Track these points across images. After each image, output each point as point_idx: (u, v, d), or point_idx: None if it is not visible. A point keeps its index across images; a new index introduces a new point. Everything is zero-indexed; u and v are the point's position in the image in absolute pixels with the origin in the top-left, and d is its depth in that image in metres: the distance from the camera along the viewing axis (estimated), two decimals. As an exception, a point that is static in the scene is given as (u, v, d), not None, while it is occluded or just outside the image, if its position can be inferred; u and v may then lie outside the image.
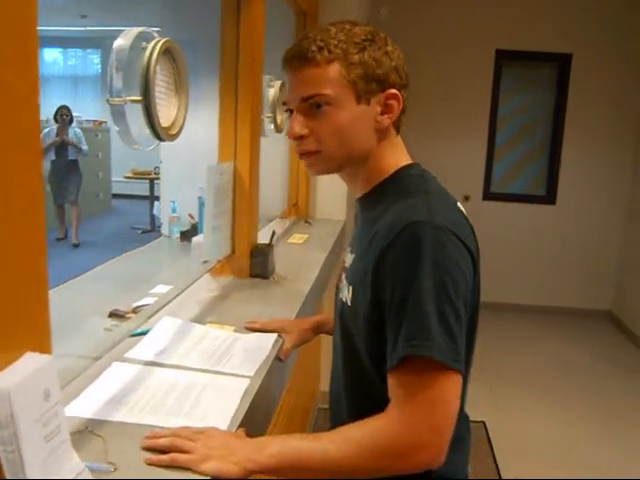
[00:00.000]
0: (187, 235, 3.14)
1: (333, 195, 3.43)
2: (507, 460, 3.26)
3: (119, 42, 1.24)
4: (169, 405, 1.12)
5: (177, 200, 3.35)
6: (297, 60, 1.07)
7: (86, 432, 1.00)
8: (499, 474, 3.12)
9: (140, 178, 9.16)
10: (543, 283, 5.85)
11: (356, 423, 1.00)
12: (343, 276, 1.19)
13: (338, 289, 1.22)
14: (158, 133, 1.29)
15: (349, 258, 1.19)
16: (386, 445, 0.95)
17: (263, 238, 2.13)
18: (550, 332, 5.40)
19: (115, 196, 10.85)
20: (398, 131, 1.15)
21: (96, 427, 1.01)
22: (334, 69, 1.05)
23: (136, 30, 1.27)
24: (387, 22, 5.05)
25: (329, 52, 1.05)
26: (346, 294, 1.14)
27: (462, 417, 1.19)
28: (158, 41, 1.28)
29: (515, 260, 5.82)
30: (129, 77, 1.24)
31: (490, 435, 3.51)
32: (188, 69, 1.46)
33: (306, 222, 3.20)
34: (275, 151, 3.23)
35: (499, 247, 5.73)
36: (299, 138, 1.10)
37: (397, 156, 1.15)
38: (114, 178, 10.45)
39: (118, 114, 1.23)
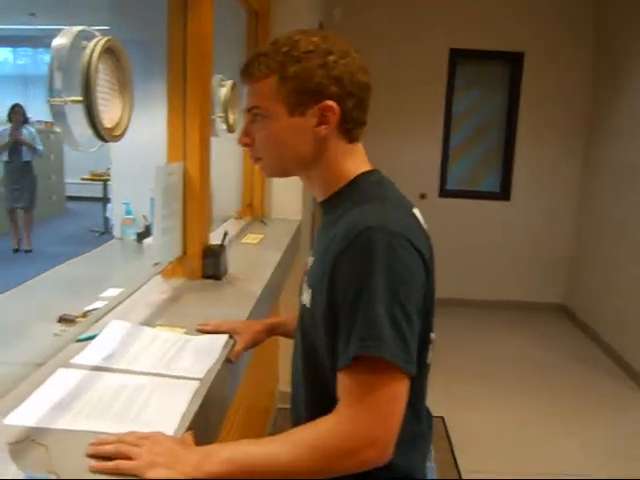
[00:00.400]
0: (142, 237, 3.10)
1: (289, 195, 3.42)
2: (465, 454, 3.30)
3: (58, 41, 1.22)
4: (115, 410, 1.10)
5: (132, 201, 3.30)
6: (242, 74, 1.15)
7: (28, 441, 0.97)
8: (457, 468, 3.16)
9: (96, 180, 9.00)
10: (498, 278, 5.95)
11: (306, 425, 1.01)
12: (305, 279, 1.20)
13: (300, 291, 1.23)
14: (101, 134, 1.27)
15: (310, 261, 1.20)
16: (336, 445, 0.96)
17: (216, 239, 2.11)
18: (505, 326, 5.49)
19: (72, 199, 10.64)
20: (353, 139, 1.16)
21: (39, 436, 0.99)
22: (270, 83, 1.10)
23: (76, 29, 1.25)
24: (341, 22, 5.07)
25: (267, 66, 1.09)
26: (306, 297, 1.15)
27: (424, 414, 1.21)
28: (99, 40, 1.26)
29: (470, 256, 5.90)
30: (70, 77, 1.22)
31: (448, 430, 3.55)
32: (134, 69, 1.44)
33: (261, 222, 3.19)
34: (229, 151, 3.21)
35: (455, 243, 5.80)
36: (246, 145, 1.18)
37: (356, 163, 1.17)
38: (70, 180, 10.25)
39: (59, 115, 1.21)
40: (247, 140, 1.17)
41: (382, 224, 1.01)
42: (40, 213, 8.41)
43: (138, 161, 3.24)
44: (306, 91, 1.09)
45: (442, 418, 3.65)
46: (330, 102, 1.08)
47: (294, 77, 1.08)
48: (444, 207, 5.79)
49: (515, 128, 5.71)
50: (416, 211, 1.17)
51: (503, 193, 5.84)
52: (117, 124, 1.37)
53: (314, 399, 1.19)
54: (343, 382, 0.99)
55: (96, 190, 9.35)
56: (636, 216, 4.54)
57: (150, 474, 0.91)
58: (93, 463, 0.93)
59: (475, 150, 5.92)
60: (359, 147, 1.18)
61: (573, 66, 5.58)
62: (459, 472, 3.13)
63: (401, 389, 0.97)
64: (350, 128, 1.13)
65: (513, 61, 5.64)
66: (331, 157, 1.14)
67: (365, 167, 1.18)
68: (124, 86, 1.39)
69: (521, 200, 5.81)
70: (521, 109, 5.67)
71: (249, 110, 1.15)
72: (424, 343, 1.10)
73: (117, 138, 1.35)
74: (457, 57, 5.65)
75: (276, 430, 3.36)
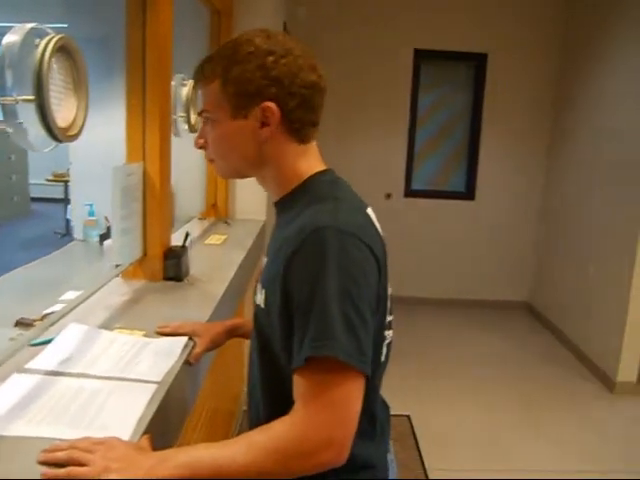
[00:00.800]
0: (104, 238, 3.06)
1: (253, 195, 3.41)
2: (431, 452, 3.32)
3: (9, 38, 1.19)
4: (70, 416, 1.08)
5: (93, 203, 3.25)
6: (193, 78, 1.18)
7: (-23, 449, 0.95)
8: (424, 467, 3.18)
9: (58, 181, 8.82)
10: (463, 277, 6.00)
11: (262, 427, 1.00)
12: (259, 279, 1.19)
13: (255, 292, 1.22)
14: (55, 134, 1.25)
15: (264, 261, 1.20)
16: (292, 447, 0.95)
17: (178, 240, 2.09)
18: (471, 325, 5.55)
19: (38, 200, 10.41)
20: (303, 140, 1.15)
21: (-11, 443, 0.97)
22: (214, 87, 1.12)
23: (28, 26, 1.22)
24: (304, 22, 5.07)
25: (212, 71, 1.12)
26: (260, 297, 1.14)
27: (378, 408, 1.21)
28: (52, 37, 1.23)
29: (436, 255, 5.94)
30: (21, 75, 1.19)
31: (415, 428, 3.57)
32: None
33: (225, 223, 3.17)
34: (192, 151, 3.18)
35: (420, 242, 5.85)
36: (201, 147, 1.21)
37: (308, 163, 1.16)
38: (34, 181, 10.03)
39: (10, 114, 1.18)
40: (201, 142, 1.19)
41: (334, 224, 1.00)
42: (1, 214, 8.23)
43: (99, 161, 3.18)
44: (246, 93, 1.09)
45: (408, 417, 3.66)
46: (269, 103, 1.08)
47: (234, 80, 1.09)
48: (409, 207, 5.83)
49: (479, 128, 5.77)
50: (369, 211, 1.17)
51: (468, 192, 5.90)
52: (72, 124, 1.34)
53: (271, 398, 1.18)
54: (297, 383, 0.99)
55: (59, 191, 9.17)
56: (600, 214, 4.62)
57: None
58: (44, 470, 0.91)
59: (440, 150, 5.96)
60: (312, 147, 1.18)
61: (536, 67, 5.65)
62: (425, 471, 3.14)
63: (356, 389, 0.97)
64: (297, 128, 1.12)
65: (477, 62, 5.70)
66: (281, 158, 1.14)
67: (319, 167, 1.17)
68: (79, 85, 1.36)
69: (486, 199, 5.87)
70: (485, 109, 5.73)
71: (200, 114, 1.18)
72: (379, 341, 1.11)
73: (72, 138, 1.33)
74: (422, 57, 5.68)
75: (242, 432, 3.33)
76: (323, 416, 0.95)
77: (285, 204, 1.17)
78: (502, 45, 5.60)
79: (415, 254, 5.81)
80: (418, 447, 3.37)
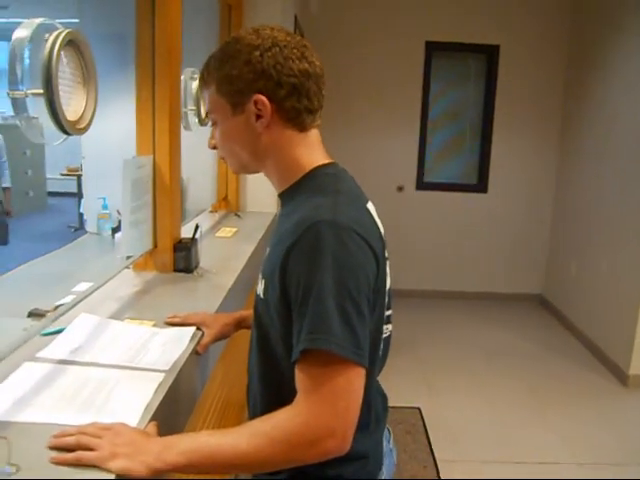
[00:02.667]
0: (116, 231, 3.09)
1: (264, 188, 3.40)
2: (442, 445, 3.33)
3: (19, 33, 1.21)
4: (79, 403, 1.11)
5: (106, 196, 3.28)
6: (198, 85, 1.27)
7: (-12, 434, 0.97)
8: (434, 459, 3.19)
9: (72, 175, 8.88)
10: (476, 269, 5.99)
11: (265, 416, 1.02)
12: (260, 269, 1.20)
13: (256, 281, 1.23)
14: (64, 127, 1.27)
15: (266, 252, 1.21)
16: (295, 435, 0.97)
17: (190, 232, 2.11)
18: (483, 317, 5.54)
19: (53, 194, 10.48)
20: (303, 128, 1.16)
21: (1, 429, 0.99)
22: (212, 90, 1.17)
23: (37, 21, 1.24)
24: (317, 15, 5.07)
25: (208, 74, 1.17)
26: (260, 287, 1.16)
27: (379, 397, 1.22)
28: (60, 32, 1.25)
29: (447, 248, 5.93)
30: (31, 69, 1.21)
31: (425, 421, 3.58)
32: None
33: (236, 215, 3.19)
34: (203, 145, 3.20)
35: (432, 235, 5.84)
36: (213, 148, 1.27)
37: (310, 153, 1.17)
38: (50, 176, 10.10)
39: (20, 108, 1.20)
40: (213, 143, 1.25)
41: (331, 217, 1.02)
42: (17, 209, 8.30)
43: (112, 155, 3.22)
44: (238, 90, 1.12)
45: (419, 409, 3.67)
46: (259, 96, 1.11)
47: (226, 79, 1.13)
48: (421, 199, 5.82)
49: (492, 120, 5.74)
50: (370, 205, 1.18)
51: (480, 185, 5.87)
52: (81, 117, 1.36)
53: (269, 389, 1.19)
54: (298, 375, 1.01)
55: (74, 185, 9.23)
56: (612, 206, 4.60)
57: (111, 465, 0.92)
58: (54, 455, 0.93)
59: (452, 142, 5.94)
60: (312, 136, 1.18)
61: (548, 58, 5.62)
62: (436, 463, 3.16)
63: (355, 379, 0.98)
64: (292, 117, 1.13)
65: (489, 54, 5.67)
66: (281, 148, 1.16)
67: (323, 159, 1.18)
68: (88, 78, 1.38)
69: (498, 192, 5.85)
70: (497, 101, 5.70)
71: (206, 116, 1.25)
72: (377, 335, 1.12)
73: (81, 131, 1.35)
74: (433, 50, 5.66)
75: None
76: (325, 406, 0.97)
77: (288, 196, 1.19)
78: (513, 36, 5.57)
79: (427, 246, 5.80)
80: (429, 439, 3.38)
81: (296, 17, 4.11)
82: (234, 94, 1.13)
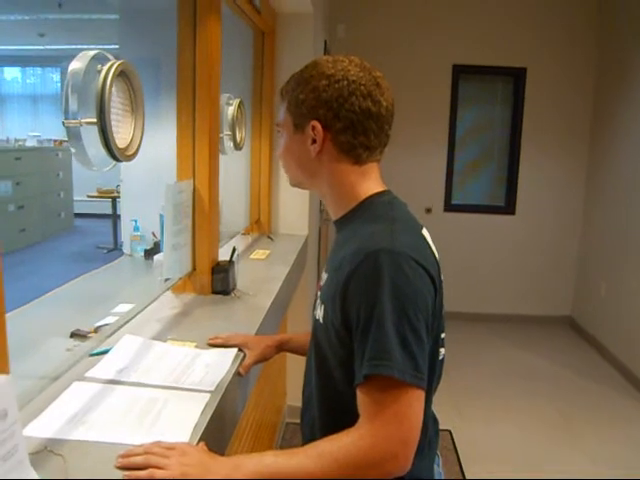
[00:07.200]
0: (151, 253, 3.13)
1: (295, 211, 3.46)
2: (473, 467, 3.31)
3: (74, 65, 1.26)
4: (129, 422, 1.13)
5: (139, 218, 3.33)
6: (280, 93, 1.30)
7: (45, 452, 1.00)
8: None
9: (104, 197, 9.03)
10: (504, 291, 5.96)
11: (328, 438, 1.04)
12: (318, 294, 1.23)
13: (314, 306, 1.26)
14: (114, 154, 1.31)
15: (324, 277, 1.24)
16: (360, 458, 0.99)
17: (225, 255, 2.15)
18: (512, 340, 5.49)
19: (79, 215, 10.66)
20: (358, 161, 1.20)
21: (56, 446, 1.02)
22: (285, 105, 1.25)
23: (91, 53, 1.29)
24: (344, 39, 5.14)
25: (286, 91, 1.25)
26: (319, 312, 1.19)
27: (430, 423, 1.24)
28: (113, 64, 1.30)
29: (476, 270, 5.92)
30: (84, 99, 1.26)
31: (456, 443, 3.56)
32: (144, 89, 1.48)
33: (268, 238, 3.23)
34: (237, 168, 3.25)
35: (460, 257, 5.82)
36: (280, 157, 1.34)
37: (367, 184, 1.22)
38: (77, 197, 10.28)
39: (74, 136, 1.25)
40: (279, 152, 1.32)
41: (389, 246, 1.05)
42: (49, 230, 8.45)
43: (146, 179, 3.28)
44: (302, 113, 1.20)
45: (449, 431, 3.65)
46: (314, 122, 1.17)
47: (294, 100, 1.21)
48: (449, 221, 5.83)
49: (519, 142, 5.74)
50: (425, 232, 1.21)
51: (508, 207, 5.86)
52: (129, 144, 1.41)
53: (328, 413, 1.22)
54: (360, 398, 1.03)
55: (102, 207, 9.37)
56: (641, 229, 4.56)
57: None
58: (126, 472, 0.95)
59: (479, 164, 5.95)
60: (370, 168, 1.22)
61: (575, 80, 5.62)
62: (466, 483, 3.14)
63: (415, 402, 1.01)
64: (347, 150, 1.18)
65: (516, 76, 5.69)
66: (334, 175, 1.21)
67: (377, 188, 1.22)
68: (136, 107, 1.43)
69: (526, 214, 5.83)
70: (524, 124, 5.71)
71: (277, 125, 1.31)
72: (433, 359, 1.14)
73: (130, 157, 1.39)
74: (460, 73, 5.70)
75: (284, 445, 3.37)
76: (388, 429, 0.99)
77: (343, 223, 1.23)
78: (541, 59, 5.59)
79: (454, 268, 5.79)
80: (460, 461, 3.36)
81: (326, 42, 4.18)
82: (298, 115, 1.21)
